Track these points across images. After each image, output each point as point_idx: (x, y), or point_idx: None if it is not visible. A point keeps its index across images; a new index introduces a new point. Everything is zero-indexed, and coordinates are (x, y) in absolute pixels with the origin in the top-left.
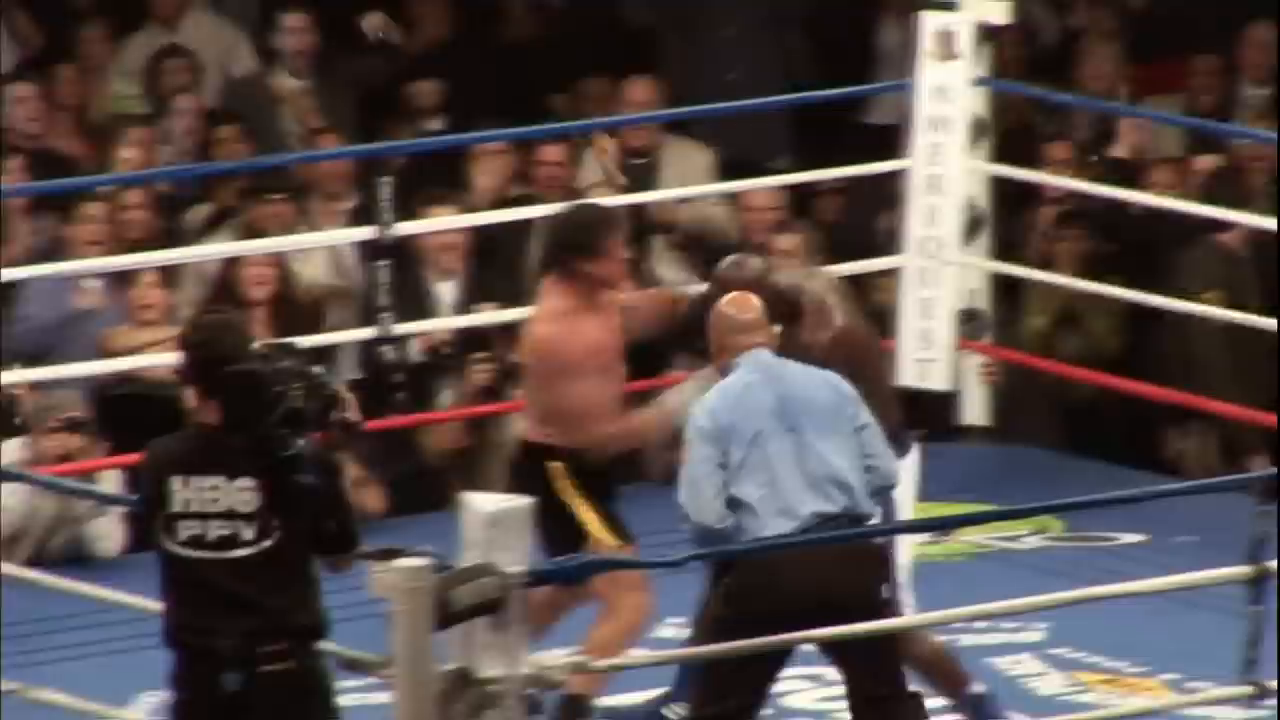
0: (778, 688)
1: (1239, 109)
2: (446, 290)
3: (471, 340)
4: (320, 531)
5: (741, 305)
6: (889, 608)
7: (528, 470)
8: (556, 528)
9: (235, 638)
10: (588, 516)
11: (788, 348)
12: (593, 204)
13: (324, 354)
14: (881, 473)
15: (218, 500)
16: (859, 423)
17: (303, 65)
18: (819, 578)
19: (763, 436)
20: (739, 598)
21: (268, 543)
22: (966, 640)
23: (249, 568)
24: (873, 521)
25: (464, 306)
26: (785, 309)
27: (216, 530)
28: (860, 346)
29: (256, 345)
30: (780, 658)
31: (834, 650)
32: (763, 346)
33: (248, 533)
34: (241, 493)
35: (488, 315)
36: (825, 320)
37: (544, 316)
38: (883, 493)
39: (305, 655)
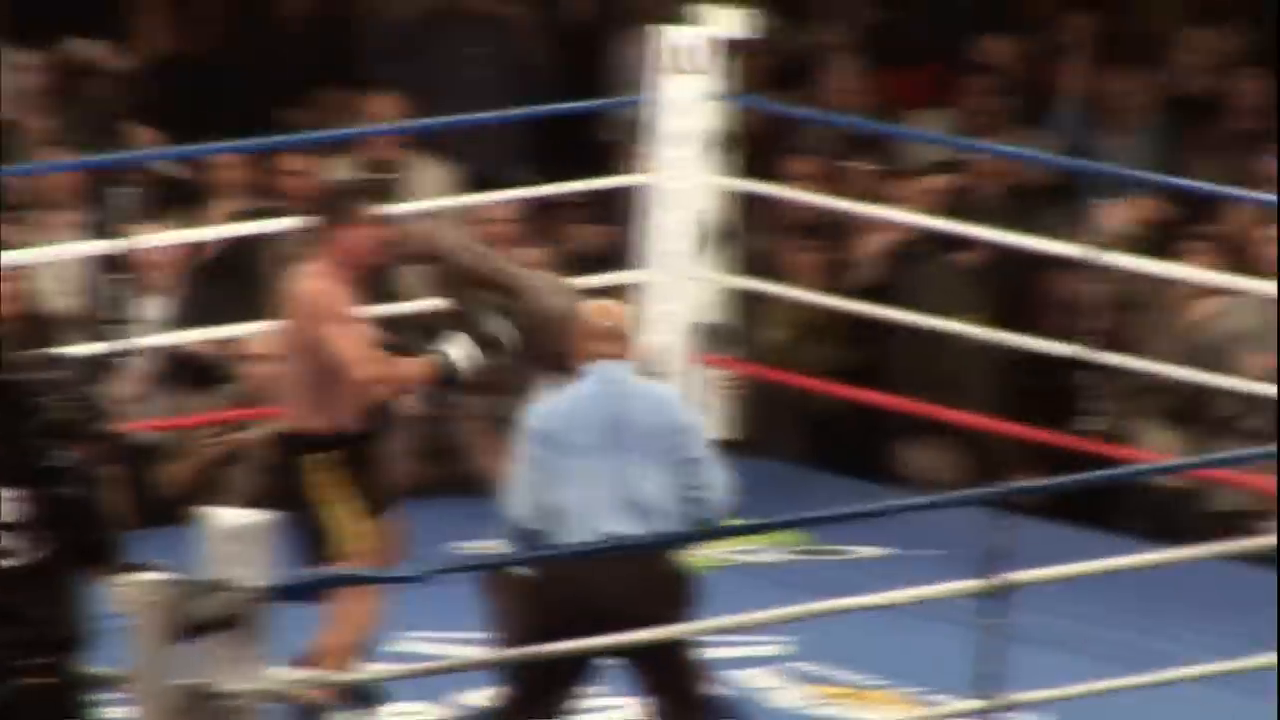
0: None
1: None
2: (156, 307)
3: (199, 356)
4: (83, 543)
5: (603, 313)
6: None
7: (284, 467)
8: (307, 529)
9: None
10: (334, 522)
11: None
12: (351, 178)
13: (87, 366)
14: (706, 505)
15: None
16: (690, 454)
17: (36, 100)
18: (608, 594)
19: (583, 450)
20: (533, 606)
21: (31, 554)
22: (706, 654)
23: (15, 579)
24: None
25: (179, 324)
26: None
27: None
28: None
29: (16, 357)
30: (575, 672)
31: (631, 670)
32: (617, 358)
33: (13, 544)
34: (6, 503)
35: (215, 332)
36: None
37: (304, 274)
38: (706, 524)
39: (68, 668)
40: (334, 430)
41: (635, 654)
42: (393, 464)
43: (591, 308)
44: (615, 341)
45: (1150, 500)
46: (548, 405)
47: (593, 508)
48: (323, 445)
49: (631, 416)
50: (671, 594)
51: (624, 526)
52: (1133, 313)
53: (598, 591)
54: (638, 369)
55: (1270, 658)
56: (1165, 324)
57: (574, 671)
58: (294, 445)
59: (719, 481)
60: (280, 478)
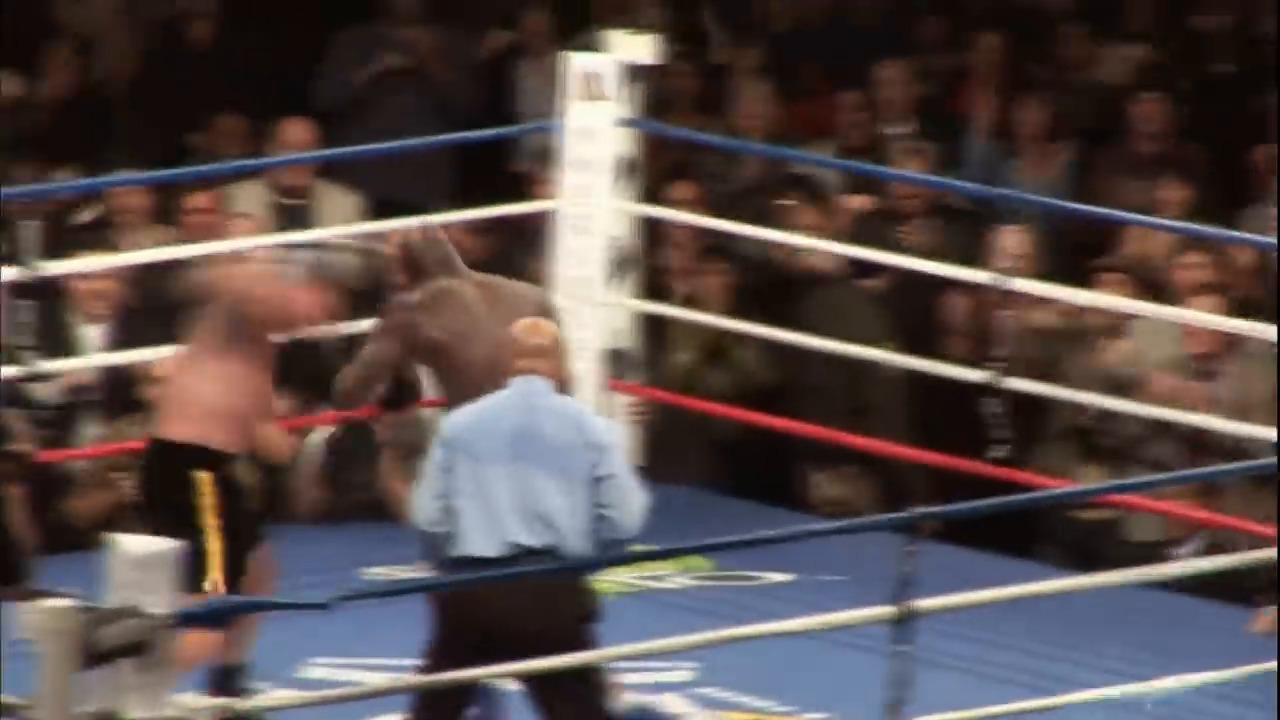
0: None
1: (886, 147)
2: (94, 335)
3: (118, 384)
4: None
5: (533, 330)
6: (586, 649)
7: (168, 476)
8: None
9: None
10: (213, 547)
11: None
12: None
13: None
14: (613, 524)
15: None
16: (600, 472)
17: None
18: (510, 610)
19: (489, 458)
20: (439, 622)
21: None
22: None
23: None
24: None
25: (114, 351)
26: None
27: None
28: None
29: None
30: (470, 690)
31: (532, 691)
32: (541, 374)
33: None
34: None
35: (135, 355)
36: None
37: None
38: (614, 545)
39: None
40: (224, 453)
41: (533, 677)
42: (269, 491)
43: (523, 325)
44: (540, 358)
45: (1067, 528)
46: (462, 413)
47: (497, 516)
48: (211, 465)
49: (542, 429)
50: (570, 611)
51: (527, 537)
52: (1043, 340)
53: (494, 606)
54: (558, 387)
55: (1169, 681)
56: (1076, 351)
57: (468, 692)
58: (182, 456)
59: (631, 502)
60: (163, 483)
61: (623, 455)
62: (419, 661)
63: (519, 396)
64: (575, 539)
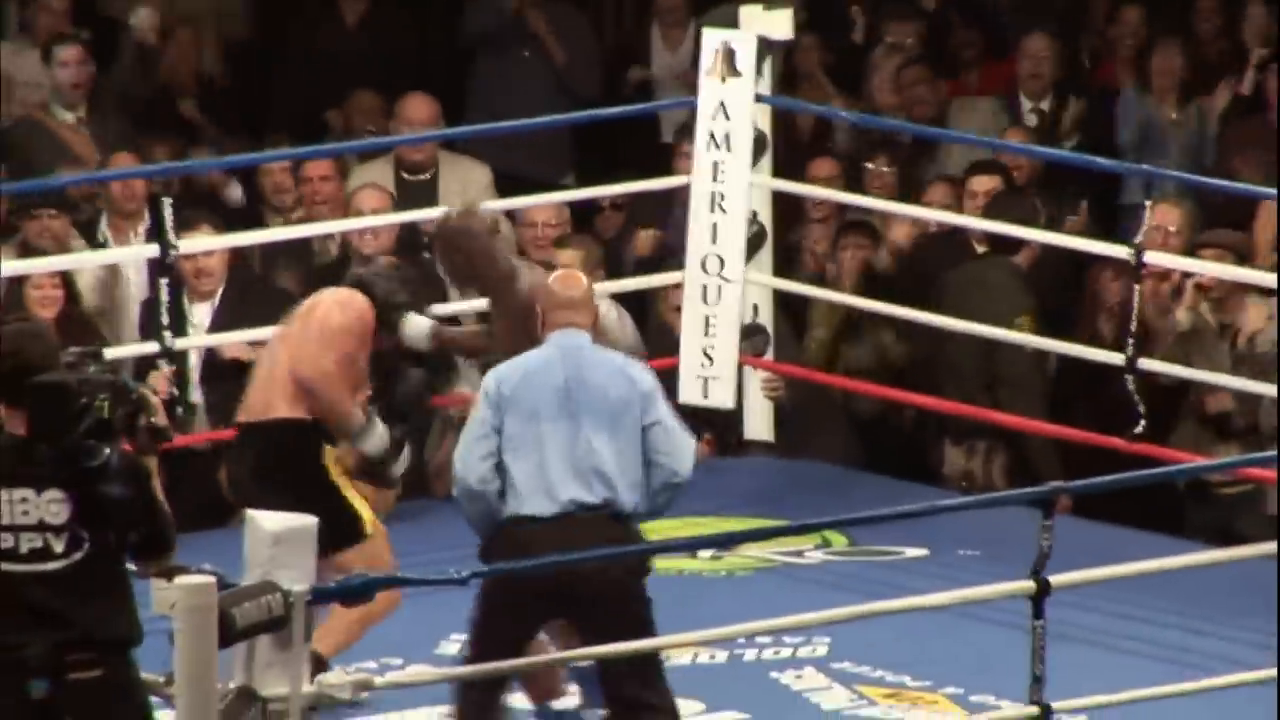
0: None
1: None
2: (202, 312)
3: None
4: (131, 540)
5: (567, 283)
6: (641, 602)
7: (292, 452)
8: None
9: (44, 648)
10: (359, 507)
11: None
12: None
13: (133, 366)
14: (668, 470)
15: (28, 512)
16: (648, 419)
17: (78, 98)
18: (571, 568)
19: (540, 415)
20: (493, 580)
21: (78, 555)
22: (749, 655)
23: (60, 580)
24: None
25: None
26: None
27: (28, 542)
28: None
29: (63, 354)
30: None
31: (590, 638)
32: (579, 327)
33: (58, 545)
34: (50, 504)
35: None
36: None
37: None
38: (671, 489)
39: (115, 664)
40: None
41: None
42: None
43: (556, 277)
44: (577, 310)
45: (1206, 503)
46: (506, 369)
47: (551, 473)
48: (329, 440)
49: (586, 383)
50: (628, 565)
51: (580, 493)
52: (1187, 317)
53: (554, 565)
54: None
55: None
56: (1216, 331)
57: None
58: (302, 432)
59: (683, 445)
60: (290, 459)
61: (664, 400)
62: (475, 618)
63: (561, 350)
64: (628, 493)
